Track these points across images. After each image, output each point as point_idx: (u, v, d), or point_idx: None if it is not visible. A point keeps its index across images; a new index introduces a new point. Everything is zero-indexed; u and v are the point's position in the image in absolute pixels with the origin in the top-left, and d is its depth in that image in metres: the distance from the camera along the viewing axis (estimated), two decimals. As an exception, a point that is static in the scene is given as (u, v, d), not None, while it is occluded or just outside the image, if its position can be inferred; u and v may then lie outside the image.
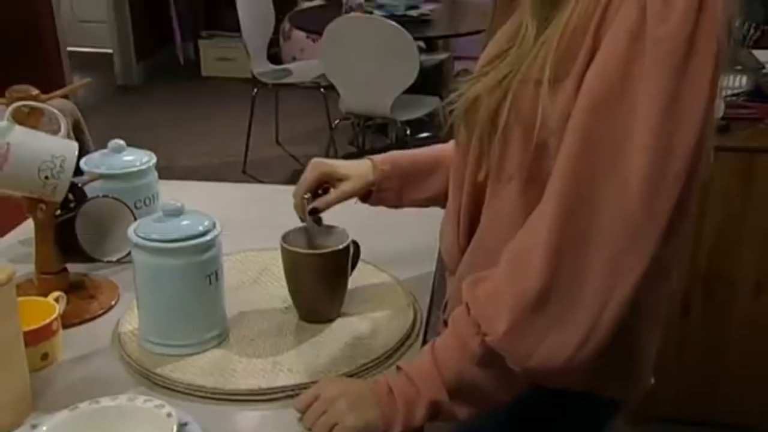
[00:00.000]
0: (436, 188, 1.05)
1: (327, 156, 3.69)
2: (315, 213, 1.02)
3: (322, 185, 1.04)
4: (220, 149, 4.22)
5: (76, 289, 1.08)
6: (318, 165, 1.04)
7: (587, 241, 0.69)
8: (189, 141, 4.30)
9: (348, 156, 3.99)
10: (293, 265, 1.00)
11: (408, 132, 3.53)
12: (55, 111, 0.93)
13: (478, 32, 3.47)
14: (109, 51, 5.25)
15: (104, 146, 1.22)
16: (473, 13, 3.93)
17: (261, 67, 3.84)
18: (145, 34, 5.30)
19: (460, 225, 0.88)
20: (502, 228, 0.79)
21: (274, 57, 4.20)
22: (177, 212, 0.93)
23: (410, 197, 1.07)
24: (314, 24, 3.57)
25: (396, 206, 1.09)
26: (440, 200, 1.00)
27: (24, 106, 0.93)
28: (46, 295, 1.00)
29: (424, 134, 4.02)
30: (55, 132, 1.00)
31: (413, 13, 3.53)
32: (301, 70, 3.98)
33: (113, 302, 1.07)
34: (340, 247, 0.98)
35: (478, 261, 0.84)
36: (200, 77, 5.45)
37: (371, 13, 3.52)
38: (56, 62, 4.39)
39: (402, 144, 4.09)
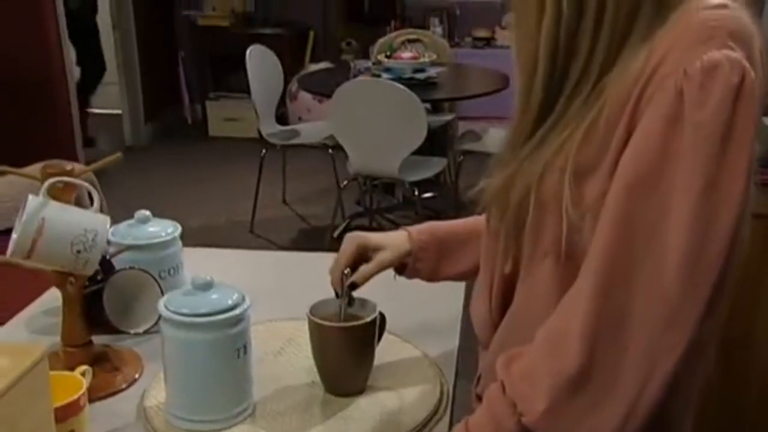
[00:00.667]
0: (472, 260, 1.04)
1: (334, 216, 3.72)
2: (354, 288, 1.02)
3: (359, 258, 1.03)
4: (227, 209, 4.25)
5: (100, 361, 1.08)
6: (354, 238, 1.04)
7: (625, 321, 0.69)
8: (196, 201, 4.33)
9: (355, 216, 4.02)
10: (321, 338, 0.99)
11: (415, 192, 3.56)
12: (89, 186, 0.94)
13: (483, 95, 3.54)
14: (118, 112, 5.32)
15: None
16: (477, 76, 4.02)
17: (269, 128, 3.89)
18: (154, 95, 5.38)
19: (492, 300, 0.89)
20: (538, 305, 0.80)
21: (281, 117, 4.26)
22: (207, 286, 0.93)
23: (446, 269, 1.07)
24: (323, 87, 3.64)
25: (430, 279, 1.08)
26: (475, 274, 1.00)
27: (58, 182, 0.94)
28: (72, 368, 1.00)
29: (431, 194, 4.06)
30: (85, 205, 1.01)
31: (420, 76, 3.59)
32: (309, 131, 4.03)
33: (137, 375, 1.07)
34: (369, 319, 0.98)
35: (512, 337, 0.84)
36: (207, 137, 5.52)
37: (379, 76, 3.58)
38: (67, 123, 4.46)
39: (409, 203, 4.12)
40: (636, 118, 0.70)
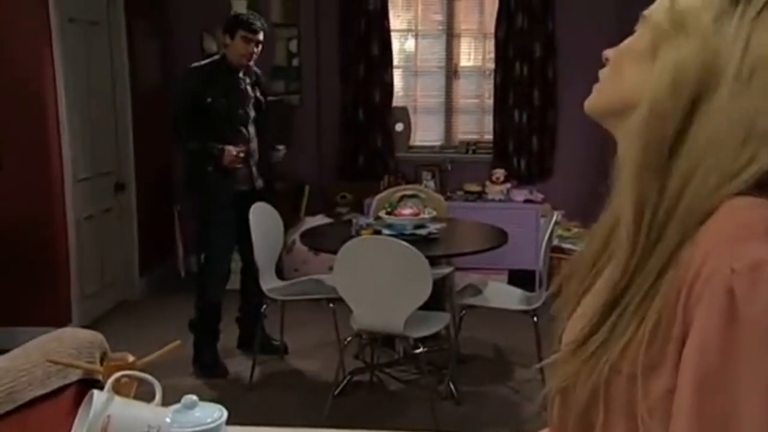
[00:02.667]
0: None
1: (337, 373, 3.65)
2: None
3: None
4: (227, 364, 4.16)
5: None
6: None
7: None
8: (191, 356, 4.24)
9: (356, 371, 3.95)
10: None
11: (417, 345, 3.53)
12: (152, 380, 0.93)
13: (484, 251, 3.61)
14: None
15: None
16: (476, 231, 4.11)
17: (270, 282, 3.90)
18: (149, 248, 5.41)
19: None
20: None
21: (277, 269, 4.28)
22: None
23: None
24: (327, 243, 3.69)
25: None
26: None
27: (123, 376, 0.93)
28: None
29: (431, 347, 4.02)
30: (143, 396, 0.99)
31: (421, 232, 3.67)
32: (310, 285, 4.05)
33: None
34: None
35: None
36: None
37: (380, 232, 3.65)
38: (65, 281, 4.45)
39: (409, 358, 4.08)
40: (689, 315, 0.72)
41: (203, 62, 4.07)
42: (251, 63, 4.01)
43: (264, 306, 3.87)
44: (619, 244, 0.82)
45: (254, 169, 4.06)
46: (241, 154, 3.90)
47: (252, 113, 4.04)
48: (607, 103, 0.87)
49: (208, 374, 3.98)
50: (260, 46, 3.97)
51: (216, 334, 4.10)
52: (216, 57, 4.08)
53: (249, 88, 4.05)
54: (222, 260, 4.04)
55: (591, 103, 0.87)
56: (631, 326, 0.77)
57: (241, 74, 4.01)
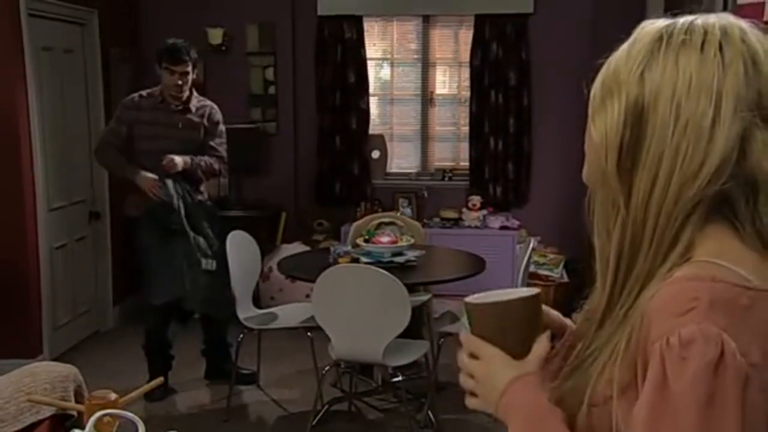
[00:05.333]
0: None
1: (315, 403, 3.61)
2: None
3: None
4: (200, 395, 4.10)
5: None
6: None
7: None
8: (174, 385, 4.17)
9: (334, 401, 3.92)
10: (502, 318, 0.96)
11: (395, 374, 3.50)
12: (135, 418, 0.92)
13: (462, 278, 3.61)
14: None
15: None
16: (453, 258, 4.11)
17: (247, 312, 3.87)
18: (123, 277, 5.34)
19: None
20: None
21: (253, 296, 4.25)
22: None
23: None
24: (304, 271, 3.67)
25: None
26: None
27: (105, 415, 0.92)
28: None
29: (409, 374, 4.00)
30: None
31: (399, 259, 3.67)
32: (287, 313, 4.02)
33: None
34: (535, 292, 0.98)
35: None
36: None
37: (358, 260, 3.65)
38: (36, 311, 4.37)
39: (388, 386, 4.05)
40: (646, 354, 0.79)
41: (137, 94, 3.99)
42: (183, 95, 3.84)
43: (241, 335, 3.83)
44: (598, 277, 0.90)
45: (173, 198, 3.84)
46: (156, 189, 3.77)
47: (177, 150, 3.82)
48: (587, 166, 0.94)
49: (152, 400, 3.88)
50: (188, 77, 3.81)
51: (167, 360, 4.06)
52: (156, 89, 3.96)
53: (185, 124, 3.87)
54: (157, 286, 3.87)
55: (584, 174, 0.94)
56: (608, 348, 0.85)
57: (179, 108, 3.87)
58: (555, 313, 1.06)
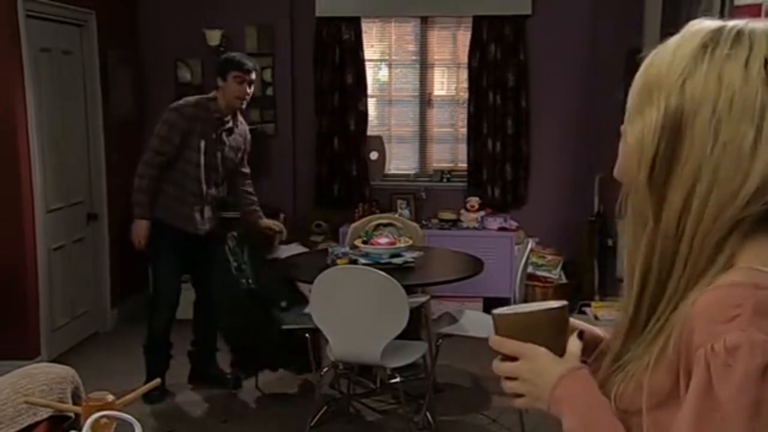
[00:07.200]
0: None
1: (317, 403, 3.61)
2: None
3: None
4: (198, 396, 4.10)
5: None
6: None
7: None
8: (169, 387, 4.17)
9: (332, 401, 3.92)
10: (528, 328, 0.97)
11: (394, 375, 3.50)
12: (132, 420, 0.92)
13: (460, 279, 3.62)
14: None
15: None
16: (452, 259, 4.11)
17: (245, 313, 3.86)
18: (121, 279, 5.34)
19: None
20: None
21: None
22: None
23: None
24: (302, 272, 3.67)
25: None
26: None
27: (102, 417, 0.92)
28: None
29: (408, 376, 4.00)
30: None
31: (397, 260, 3.66)
32: (287, 316, 4.01)
33: None
34: (563, 303, 0.98)
35: None
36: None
37: (356, 261, 3.65)
38: (33, 313, 4.37)
39: (386, 387, 4.05)
40: (690, 360, 0.78)
41: (191, 101, 3.87)
42: (245, 104, 3.93)
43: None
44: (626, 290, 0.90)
45: (203, 215, 3.94)
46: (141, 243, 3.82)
47: (221, 167, 3.92)
48: (619, 167, 0.92)
49: (151, 401, 3.88)
50: (252, 87, 3.91)
51: (165, 360, 4.06)
52: (206, 96, 3.92)
53: (231, 138, 3.96)
54: (166, 296, 3.99)
55: (615, 170, 0.93)
56: (644, 360, 0.85)
57: (229, 126, 3.92)
58: (587, 325, 1.06)
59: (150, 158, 3.80)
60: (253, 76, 3.90)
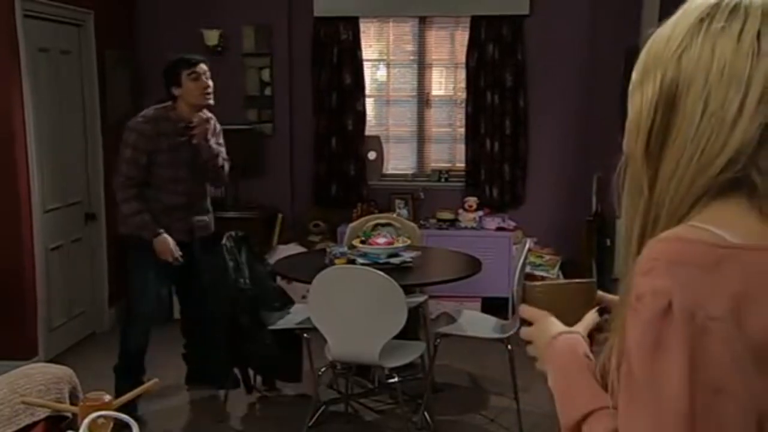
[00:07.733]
0: None
1: (314, 402, 3.61)
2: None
3: None
4: (195, 396, 4.10)
5: None
6: None
7: None
8: (165, 389, 4.17)
9: (330, 401, 3.91)
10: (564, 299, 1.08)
11: (392, 375, 3.50)
12: (129, 420, 0.91)
13: (458, 279, 3.62)
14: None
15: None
16: (450, 259, 4.12)
17: (243, 313, 3.86)
18: (119, 279, 5.33)
19: None
20: None
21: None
22: None
23: None
24: (300, 272, 3.67)
25: None
26: None
27: (99, 417, 0.92)
28: None
29: (406, 376, 4.00)
30: None
31: (395, 260, 3.67)
32: (279, 316, 4.00)
33: None
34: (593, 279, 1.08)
35: None
36: (172, 320, 5.42)
37: (354, 261, 3.65)
38: (31, 312, 4.37)
39: (384, 387, 4.05)
40: None
41: (149, 116, 3.69)
42: (211, 97, 3.70)
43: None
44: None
45: (191, 222, 3.79)
46: (179, 260, 3.66)
47: (200, 168, 3.74)
48: (626, 142, 0.95)
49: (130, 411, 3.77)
50: (209, 78, 3.71)
51: (137, 382, 3.60)
52: (163, 106, 3.74)
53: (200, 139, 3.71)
54: (144, 310, 3.76)
55: (623, 146, 0.95)
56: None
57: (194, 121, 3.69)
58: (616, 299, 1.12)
59: (122, 183, 3.62)
60: (205, 66, 3.71)
